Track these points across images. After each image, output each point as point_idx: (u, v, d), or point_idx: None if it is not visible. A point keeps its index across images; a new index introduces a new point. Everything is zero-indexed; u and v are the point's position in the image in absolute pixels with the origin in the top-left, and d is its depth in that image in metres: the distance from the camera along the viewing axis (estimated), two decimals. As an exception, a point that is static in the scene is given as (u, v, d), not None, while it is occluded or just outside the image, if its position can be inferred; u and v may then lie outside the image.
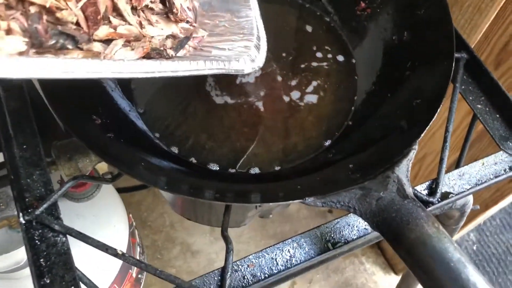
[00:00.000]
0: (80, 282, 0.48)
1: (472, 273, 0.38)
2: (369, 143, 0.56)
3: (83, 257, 0.87)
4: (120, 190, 1.05)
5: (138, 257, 1.07)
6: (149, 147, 0.56)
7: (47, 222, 0.49)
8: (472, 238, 1.41)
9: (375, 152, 0.54)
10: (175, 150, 0.58)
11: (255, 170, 0.58)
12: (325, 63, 0.66)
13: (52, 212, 0.51)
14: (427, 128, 0.51)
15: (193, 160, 0.57)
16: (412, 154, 0.49)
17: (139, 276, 1.11)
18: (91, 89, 0.56)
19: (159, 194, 1.37)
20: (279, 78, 0.64)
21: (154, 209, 1.36)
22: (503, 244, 1.41)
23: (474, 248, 1.40)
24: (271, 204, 0.69)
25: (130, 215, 1.04)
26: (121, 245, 0.96)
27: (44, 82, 0.48)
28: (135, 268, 1.07)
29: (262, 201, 0.48)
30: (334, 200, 0.45)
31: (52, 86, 0.49)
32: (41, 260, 0.48)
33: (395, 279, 1.29)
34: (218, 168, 0.57)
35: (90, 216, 0.92)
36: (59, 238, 0.49)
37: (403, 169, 0.47)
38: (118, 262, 0.95)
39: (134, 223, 1.07)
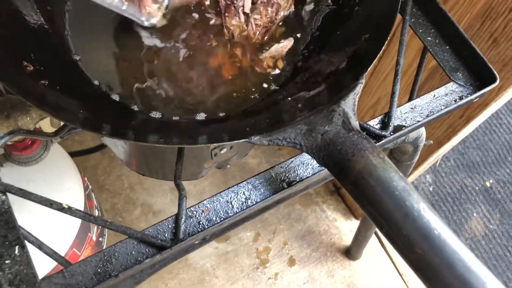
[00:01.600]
0: (26, 241, 0.45)
1: (416, 200, 0.38)
2: (317, 81, 0.55)
3: (34, 224, 0.85)
4: (73, 155, 1.01)
5: (96, 220, 1.04)
6: (88, 94, 0.53)
7: (-17, 180, 0.46)
8: (428, 179, 1.45)
9: (323, 89, 0.53)
10: (116, 97, 0.54)
11: (200, 116, 0.56)
12: None
13: (-12, 171, 0.47)
14: (374, 61, 0.50)
15: (135, 107, 0.54)
16: (359, 88, 0.48)
17: (100, 239, 1.08)
18: (23, 33, 0.52)
19: (115, 156, 1.33)
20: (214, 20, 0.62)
21: (111, 172, 1.32)
22: (457, 183, 1.46)
23: (431, 189, 1.44)
24: (225, 150, 0.68)
25: (85, 178, 1.01)
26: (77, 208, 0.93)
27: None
28: (95, 231, 1.05)
29: (209, 141, 0.46)
30: (280, 137, 0.44)
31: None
32: (-21, 221, 0.45)
33: (356, 223, 1.32)
34: (161, 116, 0.54)
35: (41, 180, 0.88)
36: (-2, 197, 0.46)
37: (349, 103, 0.46)
38: (75, 226, 0.92)
39: (90, 186, 1.03)
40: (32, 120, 0.63)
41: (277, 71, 0.59)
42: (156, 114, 0.54)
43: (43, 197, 0.46)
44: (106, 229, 1.13)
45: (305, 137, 0.44)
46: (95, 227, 1.03)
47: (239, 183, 0.50)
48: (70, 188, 0.93)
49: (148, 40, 0.59)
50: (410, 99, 0.60)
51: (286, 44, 0.60)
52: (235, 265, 1.25)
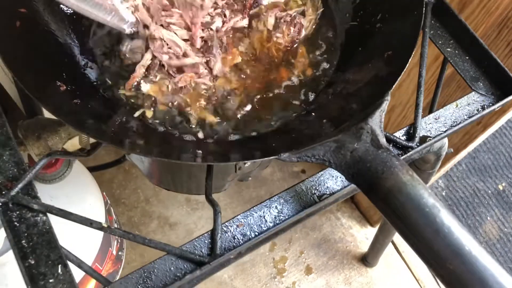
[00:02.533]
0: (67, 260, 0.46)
1: (446, 217, 0.39)
2: (342, 98, 0.56)
3: (60, 240, 0.86)
4: (89, 170, 1.02)
5: (116, 234, 1.05)
6: (120, 112, 0.54)
7: (24, 202, 0.47)
8: (441, 184, 1.46)
9: (348, 106, 0.54)
10: (149, 116, 0.56)
11: (233, 137, 0.57)
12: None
13: (28, 192, 0.49)
14: (399, 78, 0.51)
15: (161, 128, 0.56)
16: (385, 105, 0.49)
17: (119, 253, 1.09)
18: (54, 53, 0.54)
19: (129, 170, 1.34)
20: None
21: (126, 185, 1.33)
22: (469, 187, 1.47)
23: (443, 194, 1.45)
24: (248, 164, 0.69)
25: (104, 193, 1.02)
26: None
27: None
28: (115, 245, 1.06)
29: (241, 159, 0.47)
30: (309, 155, 0.45)
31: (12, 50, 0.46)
32: (23, 241, 0.46)
33: (371, 230, 1.32)
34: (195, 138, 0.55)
35: (64, 197, 0.89)
36: (39, 218, 0.47)
37: (376, 120, 0.47)
38: (97, 241, 0.93)
39: (109, 201, 1.05)
40: (61, 140, 0.65)
41: (303, 94, 0.60)
42: (188, 137, 0.55)
43: (83, 217, 0.47)
44: (125, 243, 1.14)
45: (334, 154, 0.45)
46: (115, 242, 1.04)
47: (271, 197, 0.51)
48: (92, 203, 0.94)
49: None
50: (431, 109, 0.61)
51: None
52: (253, 275, 1.26)
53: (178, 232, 1.29)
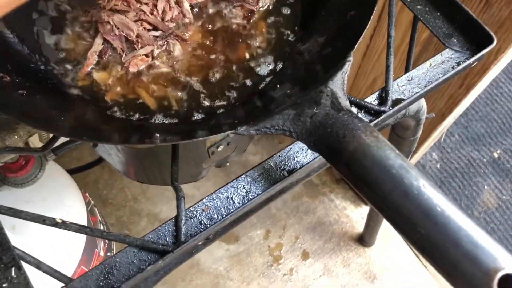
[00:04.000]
0: (22, 262, 0.43)
1: (415, 177, 0.35)
2: (305, 65, 0.53)
3: (38, 245, 0.83)
4: (72, 172, 0.99)
5: (102, 235, 1.02)
6: (69, 102, 0.51)
7: (-29, 205, 0.44)
8: (434, 157, 1.43)
9: (311, 72, 0.50)
10: (104, 103, 0.52)
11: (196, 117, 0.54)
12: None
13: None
14: (360, 37, 0.47)
15: (118, 113, 0.52)
16: (347, 67, 0.45)
17: (108, 253, 1.06)
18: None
19: (115, 169, 1.31)
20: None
21: (112, 185, 1.30)
22: (464, 158, 1.43)
23: (438, 166, 1.42)
24: (222, 148, 0.66)
25: (86, 194, 0.99)
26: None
27: None
28: (102, 247, 1.03)
29: (190, 137, 0.44)
30: (267, 125, 0.42)
31: None
32: (-29, 246, 0.43)
33: (366, 209, 1.29)
34: (144, 117, 0.52)
35: (40, 200, 0.86)
36: (-12, 219, 0.44)
37: (338, 83, 0.43)
38: (81, 243, 0.90)
39: (91, 201, 1.01)
40: (20, 138, 0.61)
41: (263, 65, 0.56)
42: (135, 116, 0.52)
43: (35, 214, 0.44)
44: (113, 243, 1.11)
45: (294, 123, 0.41)
46: (102, 243, 1.01)
47: (238, 177, 0.48)
48: (71, 205, 0.91)
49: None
50: (406, 71, 0.58)
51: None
52: (249, 265, 1.23)
53: (169, 228, 1.26)
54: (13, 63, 0.50)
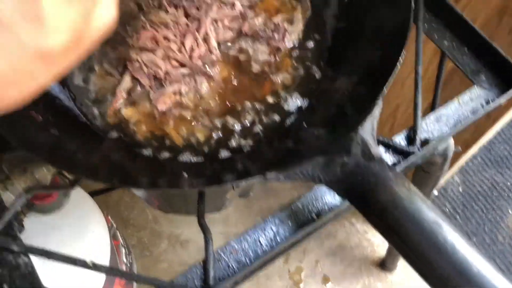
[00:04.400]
0: (53, 302, 0.44)
1: (449, 233, 0.35)
2: (331, 107, 0.52)
3: (59, 277, 0.83)
4: (94, 194, 1.00)
5: (124, 259, 1.03)
6: (97, 140, 0.52)
7: (4, 244, 0.45)
8: (456, 180, 1.41)
9: (337, 114, 0.50)
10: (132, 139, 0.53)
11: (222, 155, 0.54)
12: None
13: (8, 233, 0.46)
14: (389, 81, 0.47)
15: (145, 151, 0.53)
16: (377, 111, 0.45)
17: (128, 285, 1.07)
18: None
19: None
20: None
21: (134, 206, 1.31)
22: (487, 181, 1.41)
23: (460, 189, 1.40)
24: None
25: (109, 217, 1.00)
26: (104, 250, 0.91)
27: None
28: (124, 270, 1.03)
29: (216, 182, 0.44)
30: (296, 172, 0.41)
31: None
32: (5, 286, 0.43)
33: (388, 233, 1.28)
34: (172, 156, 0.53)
35: (65, 226, 0.87)
36: (21, 259, 0.45)
37: (367, 128, 0.43)
38: (101, 276, 0.91)
39: (114, 225, 1.02)
40: (49, 172, 0.62)
41: (290, 101, 0.56)
42: (162, 154, 0.52)
43: (66, 256, 0.44)
44: (134, 267, 1.11)
45: (323, 170, 0.41)
46: (123, 266, 1.02)
47: (266, 219, 0.48)
48: (95, 230, 0.92)
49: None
50: (433, 108, 0.57)
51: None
52: (268, 288, 1.22)
53: (190, 251, 1.27)
54: (44, 101, 0.52)
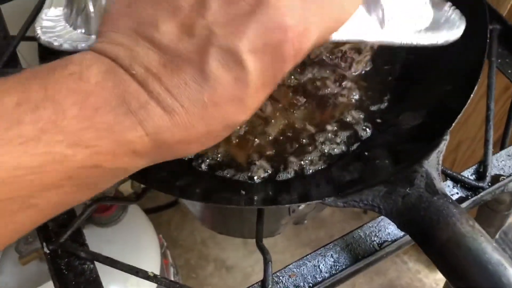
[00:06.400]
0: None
1: None
2: (396, 137, 0.52)
3: (115, 283, 0.85)
4: (147, 212, 1.02)
5: (172, 278, 1.04)
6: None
7: (72, 249, 0.47)
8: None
9: (402, 146, 0.49)
10: (204, 166, 0.54)
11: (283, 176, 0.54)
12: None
13: (76, 239, 0.48)
14: (459, 116, 0.46)
15: (203, 166, 0.54)
16: (443, 146, 0.44)
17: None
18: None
19: (186, 212, 1.34)
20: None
21: (183, 227, 1.33)
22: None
23: (521, 235, 1.33)
24: (302, 206, 0.66)
25: (161, 236, 1.02)
26: (154, 268, 0.93)
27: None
28: None
29: (285, 203, 0.44)
30: (356, 199, 0.41)
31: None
32: (70, 290, 0.45)
33: (441, 276, 1.22)
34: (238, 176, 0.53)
35: (119, 240, 0.90)
36: (86, 266, 0.46)
37: (433, 162, 0.42)
38: (152, 284, 0.92)
39: (165, 244, 1.04)
40: (113, 184, 0.65)
41: (353, 129, 0.56)
42: (221, 172, 0.53)
43: (130, 266, 0.45)
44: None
45: (384, 200, 0.40)
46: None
47: (326, 245, 0.47)
48: (147, 247, 0.94)
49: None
50: (503, 144, 0.56)
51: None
52: (313, 322, 1.19)
53: (235, 276, 1.26)
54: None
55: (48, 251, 0.46)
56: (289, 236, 1.29)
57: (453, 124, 0.45)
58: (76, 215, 0.49)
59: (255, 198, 0.50)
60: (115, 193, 0.68)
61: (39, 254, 0.84)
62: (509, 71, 0.57)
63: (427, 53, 0.55)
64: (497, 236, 1.30)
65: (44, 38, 0.39)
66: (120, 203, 0.67)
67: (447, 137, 0.44)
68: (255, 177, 0.53)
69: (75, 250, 0.46)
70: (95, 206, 0.49)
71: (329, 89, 0.60)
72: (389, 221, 0.48)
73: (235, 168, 0.54)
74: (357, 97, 0.59)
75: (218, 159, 0.55)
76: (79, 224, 0.48)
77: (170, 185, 0.48)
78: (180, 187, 0.49)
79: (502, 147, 0.54)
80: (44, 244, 0.47)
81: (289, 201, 0.48)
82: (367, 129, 0.56)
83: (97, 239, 0.87)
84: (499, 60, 0.57)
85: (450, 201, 0.38)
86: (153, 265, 0.93)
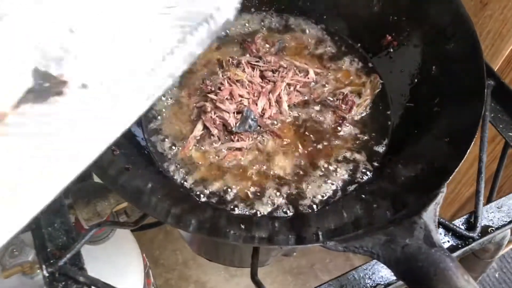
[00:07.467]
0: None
1: None
2: (395, 186, 0.54)
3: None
4: (132, 230, 1.02)
5: (153, 299, 1.03)
6: (162, 177, 0.54)
7: (71, 273, 0.47)
8: (494, 265, 1.37)
9: (401, 196, 0.51)
10: (203, 196, 0.55)
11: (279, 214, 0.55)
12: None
13: (75, 262, 0.48)
14: (456, 170, 0.48)
15: (202, 196, 0.55)
16: (440, 198, 0.46)
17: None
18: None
19: (170, 231, 1.34)
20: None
21: (166, 246, 1.32)
22: (525, 270, 1.37)
23: (497, 275, 1.36)
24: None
25: (144, 255, 1.01)
26: (136, 287, 0.92)
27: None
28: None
29: (277, 243, 0.45)
30: (356, 245, 0.43)
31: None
32: (66, 314, 0.45)
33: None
34: (237, 211, 0.54)
35: (106, 258, 0.89)
36: (83, 290, 0.47)
37: (430, 214, 0.44)
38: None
39: (148, 264, 1.03)
40: (110, 205, 0.65)
41: (350, 170, 0.58)
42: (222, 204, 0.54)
43: (128, 294, 0.46)
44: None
45: (384, 248, 0.42)
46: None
47: (320, 286, 0.48)
48: (132, 267, 0.93)
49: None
50: (491, 196, 0.58)
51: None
52: None
53: (215, 299, 1.26)
54: (124, 138, 0.55)
55: (47, 274, 0.47)
56: (270, 264, 1.30)
57: (450, 177, 0.47)
58: (76, 238, 0.49)
59: (256, 235, 0.51)
60: (118, 220, 0.68)
61: (22, 268, 0.83)
62: (500, 126, 0.60)
63: (427, 104, 0.58)
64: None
65: None
66: (120, 227, 0.67)
67: (444, 190, 0.46)
68: (253, 210, 0.54)
69: (74, 274, 0.47)
70: (96, 230, 0.49)
71: (328, 129, 0.62)
72: (382, 264, 0.49)
73: (235, 201, 0.55)
74: (356, 139, 0.61)
75: (219, 191, 0.56)
76: (79, 248, 0.48)
77: (167, 213, 0.48)
78: (177, 216, 0.50)
79: (489, 198, 0.57)
80: (43, 266, 0.47)
81: (288, 241, 0.49)
82: (366, 172, 0.58)
83: (84, 255, 0.87)
84: (492, 115, 0.60)
85: (447, 254, 0.40)
86: (135, 284, 0.93)
